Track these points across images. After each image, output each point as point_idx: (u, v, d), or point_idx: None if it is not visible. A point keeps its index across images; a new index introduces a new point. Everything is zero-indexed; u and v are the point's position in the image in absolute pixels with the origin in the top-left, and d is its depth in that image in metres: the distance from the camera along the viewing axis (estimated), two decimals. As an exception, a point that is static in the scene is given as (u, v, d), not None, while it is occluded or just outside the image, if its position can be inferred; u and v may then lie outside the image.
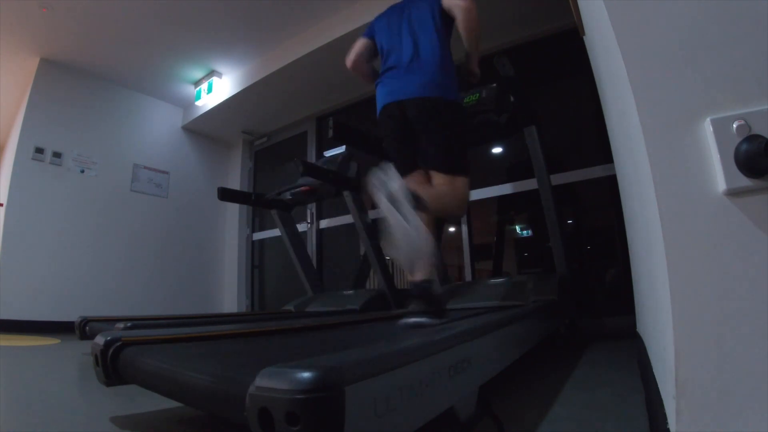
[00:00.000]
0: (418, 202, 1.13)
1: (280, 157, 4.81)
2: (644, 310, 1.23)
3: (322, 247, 4.03)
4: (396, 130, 1.55)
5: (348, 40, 3.01)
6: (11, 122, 4.25)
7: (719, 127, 0.51)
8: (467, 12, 1.51)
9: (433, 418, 0.68)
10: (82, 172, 3.75)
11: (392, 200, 1.05)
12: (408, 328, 1.24)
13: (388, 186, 1.07)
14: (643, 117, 0.56)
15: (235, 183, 4.83)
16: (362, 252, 3.44)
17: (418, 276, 1.35)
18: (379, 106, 1.59)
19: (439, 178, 1.48)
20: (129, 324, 1.53)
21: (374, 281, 3.68)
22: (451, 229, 3.43)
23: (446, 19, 1.58)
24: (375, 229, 2.77)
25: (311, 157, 4.27)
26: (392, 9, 1.70)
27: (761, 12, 0.50)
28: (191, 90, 4.32)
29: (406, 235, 1.01)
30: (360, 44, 1.73)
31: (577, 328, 2.21)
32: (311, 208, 4.05)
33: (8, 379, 1.48)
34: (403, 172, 1.52)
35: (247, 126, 4.69)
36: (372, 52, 1.72)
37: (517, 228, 3.56)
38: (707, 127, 0.52)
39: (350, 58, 1.73)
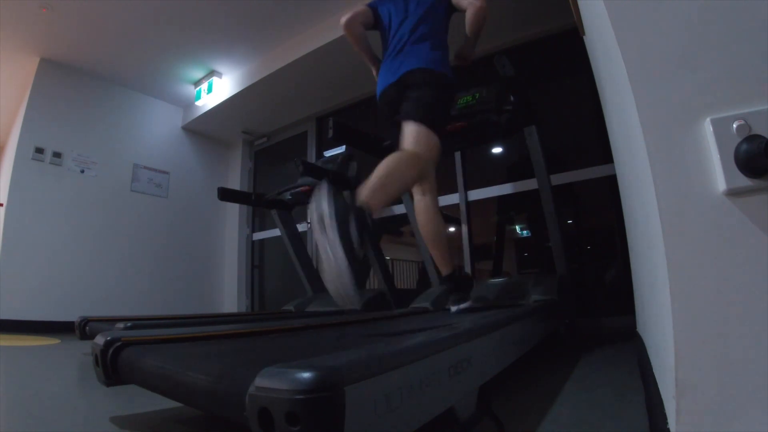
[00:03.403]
0: (363, 218, 1.09)
1: (280, 157, 4.81)
2: (644, 310, 1.23)
3: (322, 247, 4.02)
4: (392, 109, 1.61)
5: (348, 40, 3.02)
6: (11, 122, 4.26)
7: (719, 127, 0.51)
8: (481, 10, 1.61)
9: (433, 418, 0.68)
10: (82, 172, 3.75)
11: (321, 224, 0.99)
12: (459, 313, 1.58)
13: (320, 207, 1.00)
14: (643, 117, 0.56)
15: (235, 183, 4.83)
16: (365, 245, 3.43)
17: (445, 271, 1.63)
18: (378, 90, 1.67)
19: (409, 127, 1.50)
20: (129, 324, 1.53)
21: (374, 281, 3.68)
22: (452, 229, 3.43)
23: (450, 8, 1.69)
24: (375, 230, 2.77)
25: (311, 157, 4.27)
26: None
27: (761, 12, 0.50)
28: (191, 90, 4.32)
29: (329, 264, 0.96)
30: (360, 9, 1.75)
31: (577, 328, 2.21)
32: (311, 208, 4.04)
33: (8, 379, 1.48)
34: (407, 117, 1.53)
35: (247, 126, 4.69)
36: (369, 22, 1.75)
37: (517, 228, 3.56)
38: (707, 127, 0.52)
39: (346, 16, 1.71)
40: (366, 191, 1.18)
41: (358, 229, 1.04)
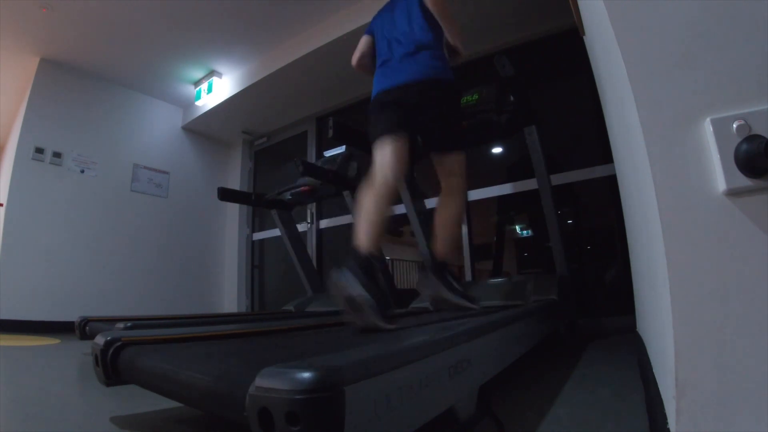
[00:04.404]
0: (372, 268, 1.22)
1: (280, 157, 4.81)
2: (644, 310, 1.23)
3: (322, 247, 4.03)
4: (386, 105, 1.56)
5: (348, 40, 3.02)
6: (11, 122, 4.25)
7: (719, 127, 0.51)
8: None
9: (433, 418, 0.68)
10: (82, 172, 3.75)
11: (354, 308, 1.12)
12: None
13: (348, 293, 1.13)
14: (643, 117, 0.56)
15: (235, 183, 4.83)
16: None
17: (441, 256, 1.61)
18: (373, 93, 1.64)
19: (448, 160, 1.60)
20: (129, 324, 1.53)
21: (374, 281, 3.67)
22: (451, 229, 3.43)
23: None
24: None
25: (311, 157, 4.27)
26: (386, 6, 1.77)
27: (761, 12, 0.50)
28: (191, 90, 4.32)
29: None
30: (362, 43, 1.80)
31: (577, 328, 2.21)
32: (311, 208, 4.05)
33: (8, 379, 1.48)
34: (386, 132, 1.50)
35: (247, 126, 4.69)
36: (373, 49, 1.77)
37: (517, 228, 3.56)
38: (707, 127, 0.52)
39: (355, 57, 1.81)
40: (443, 254, 1.45)
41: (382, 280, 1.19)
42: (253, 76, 3.87)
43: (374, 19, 1.79)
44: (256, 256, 4.72)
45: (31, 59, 3.62)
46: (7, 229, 3.27)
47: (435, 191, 1.68)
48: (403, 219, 2.84)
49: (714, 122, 0.51)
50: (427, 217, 2.44)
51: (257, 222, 4.77)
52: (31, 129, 3.51)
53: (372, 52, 1.77)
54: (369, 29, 1.79)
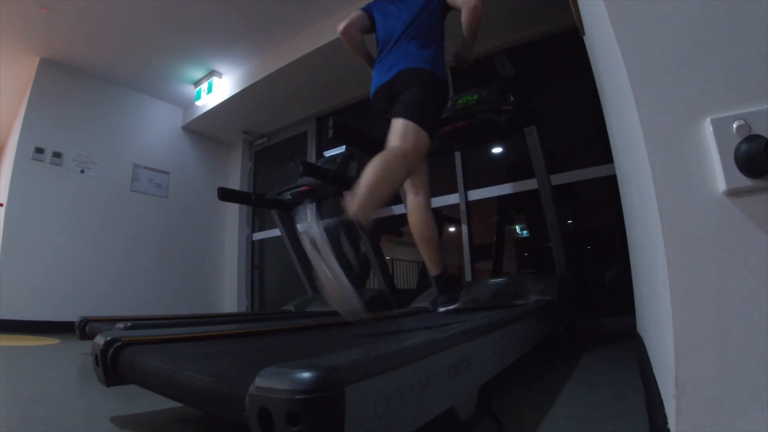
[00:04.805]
0: (356, 228, 1.14)
1: (280, 157, 4.81)
2: (644, 310, 1.23)
3: (322, 247, 4.02)
4: (384, 109, 1.61)
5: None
6: (11, 122, 4.26)
7: (719, 127, 0.51)
8: (475, 10, 1.58)
9: (433, 418, 0.68)
10: (82, 172, 3.75)
11: (313, 246, 1.00)
12: (447, 314, 1.58)
13: (310, 231, 1.01)
14: (643, 117, 0.56)
15: (235, 183, 4.83)
16: (362, 252, 3.44)
17: (435, 271, 1.64)
18: (371, 90, 1.68)
19: (396, 124, 1.47)
20: (129, 324, 1.53)
21: (374, 281, 3.68)
22: (452, 229, 3.43)
23: (444, 6, 1.66)
24: (375, 230, 2.76)
25: (311, 157, 4.27)
26: None
27: (761, 12, 0.50)
28: (191, 90, 4.32)
29: (330, 284, 0.96)
30: (355, 14, 1.78)
31: (577, 328, 2.21)
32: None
33: (8, 379, 1.48)
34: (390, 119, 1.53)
35: (247, 126, 4.69)
36: (365, 26, 1.77)
37: (517, 228, 3.56)
38: (707, 127, 0.52)
39: (343, 24, 1.76)
40: (356, 203, 1.16)
41: (353, 244, 1.09)
42: (253, 76, 3.87)
43: (378, 3, 1.78)
44: (256, 256, 4.72)
45: (31, 59, 3.62)
46: (7, 229, 3.27)
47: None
48: (403, 219, 2.84)
49: (714, 122, 0.51)
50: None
51: (257, 222, 4.77)
52: (31, 129, 3.51)
53: (361, 26, 1.76)
54: (368, 7, 1.79)
